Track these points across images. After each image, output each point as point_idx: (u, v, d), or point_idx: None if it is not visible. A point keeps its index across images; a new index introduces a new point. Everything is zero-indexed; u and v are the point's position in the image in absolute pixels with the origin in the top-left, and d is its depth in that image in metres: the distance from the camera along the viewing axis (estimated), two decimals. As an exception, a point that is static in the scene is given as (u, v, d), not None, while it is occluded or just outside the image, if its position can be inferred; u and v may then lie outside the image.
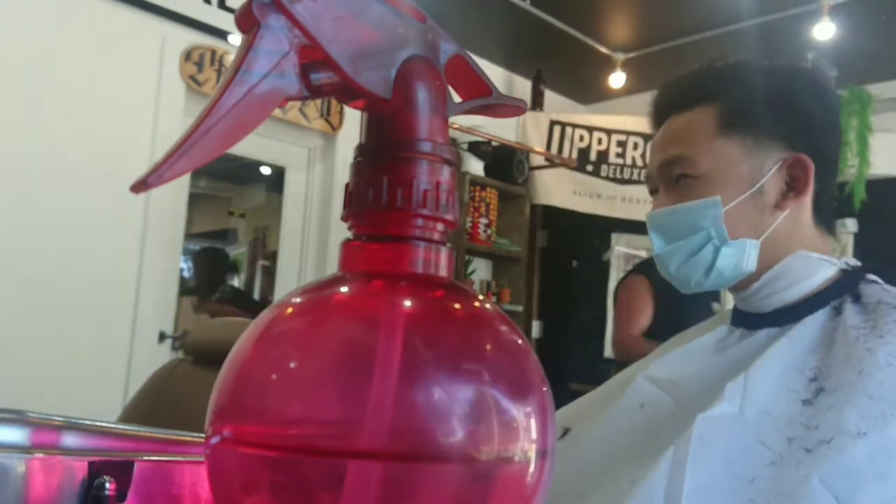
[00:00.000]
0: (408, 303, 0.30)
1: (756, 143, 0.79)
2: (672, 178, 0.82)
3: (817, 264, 0.78)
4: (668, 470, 0.67)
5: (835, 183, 0.84)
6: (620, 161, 4.07)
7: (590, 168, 4.09)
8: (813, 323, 0.75)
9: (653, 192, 0.87)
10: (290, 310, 0.31)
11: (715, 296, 2.79)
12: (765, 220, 0.79)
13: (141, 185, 0.25)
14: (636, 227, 3.96)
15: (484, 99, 0.35)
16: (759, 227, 0.79)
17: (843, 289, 0.77)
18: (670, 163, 0.82)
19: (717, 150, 0.80)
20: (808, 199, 0.80)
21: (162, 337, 2.94)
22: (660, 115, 0.87)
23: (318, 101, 3.27)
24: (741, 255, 0.78)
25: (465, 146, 3.87)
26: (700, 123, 0.81)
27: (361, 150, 0.31)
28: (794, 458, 0.64)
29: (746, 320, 0.82)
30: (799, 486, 0.62)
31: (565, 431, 0.82)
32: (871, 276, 0.79)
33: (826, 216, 0.82)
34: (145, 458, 0.44)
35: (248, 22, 0.27)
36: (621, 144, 4.08)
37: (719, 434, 0.68)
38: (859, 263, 0.80)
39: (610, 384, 0.88)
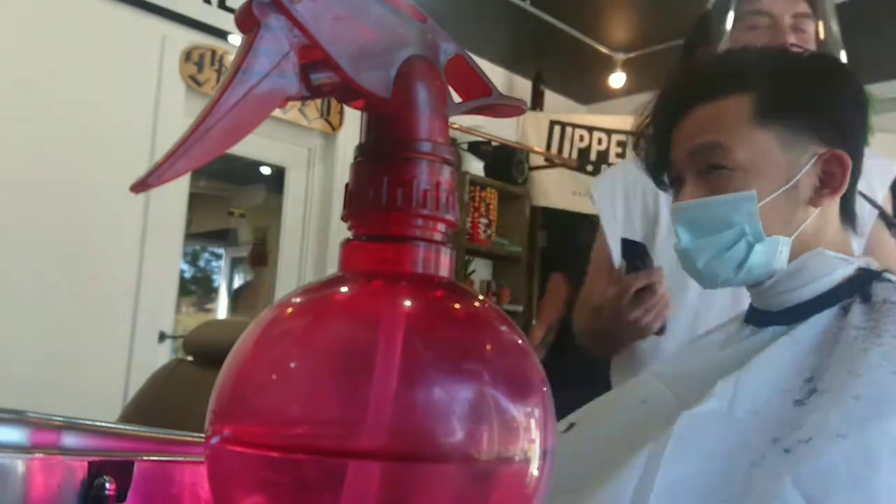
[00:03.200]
0: (408, 303, 0.30)
1: (794, 136, 0.77)
2: (703, 167, 0.78)
3: (834, 263, 0.76)
4: (643, 465, 0.66)
5: (858, 179, 0.81)
6: (620, 161, 4.07)
7: (590, 168, 4.09)
8: (818, 323, 0.73)
9: (659, 182, 0.85)
10: (290, 310, 0.31)
11: None
12: (797, 217, 0.77)
13: (141, 185, 0.26)
14: (636, 228, 3.96)
15: (484, 99, 0.35)
16: (791, 224, 0.77)
17: (854, 288, 0.75)
18: (703, 150, 0.78)
19: (754, 141, 0.76)
20: (839, 196, 0.78)
21: (162, 337, 2.94)
22: (676, 106, 0.83)
23: (318, 101, 3.27)
24: (773, 253, 0.76)
25: (465, 146, 3.87)
26: (736, 112, 0.77)
27: (361, 150, 0.31)
28: (774, 458, 0.63)
29: (757, 317, 0.80)
30: (771, 486, 0.60)
31: (570, 426, 0.81)
32: (888, 276, 0.76)
33: (851, 213, 0.80)
34: (145, 458, 0.44)
35: (248, 22, 0.27)
36: (621, 144, 4.08)
37: (703, 431, 0.67)
38: (874, 263, 0.78)
39: (624, 384, 0.87)
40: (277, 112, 2.76)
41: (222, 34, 3.01)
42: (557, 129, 4.15)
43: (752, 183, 0.76)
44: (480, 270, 4.11)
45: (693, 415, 0.68)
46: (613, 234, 1.23)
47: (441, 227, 0.31)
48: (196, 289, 5.37)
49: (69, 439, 0.46)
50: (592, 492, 0.68)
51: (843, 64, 0.88)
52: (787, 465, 0.61)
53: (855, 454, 0.60)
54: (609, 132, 4.11)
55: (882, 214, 1.09)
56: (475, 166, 3.89)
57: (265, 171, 3.98)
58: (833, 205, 0.78)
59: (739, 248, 0.76)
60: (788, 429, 0.64)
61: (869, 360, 0.65)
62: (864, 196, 0.91)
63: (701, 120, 0.80)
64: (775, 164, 0.76)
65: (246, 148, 3.14)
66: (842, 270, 0.76)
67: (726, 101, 0.78)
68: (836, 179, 0.77)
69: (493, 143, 3.89)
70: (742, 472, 0.63)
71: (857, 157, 0.79)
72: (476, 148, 3.91)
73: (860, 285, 0.75)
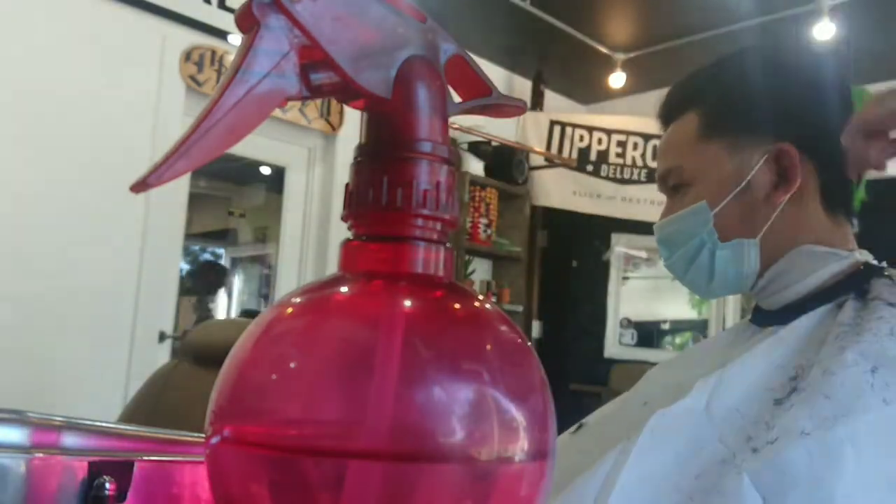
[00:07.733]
0: (408, 303, 0.30)
1: (737, 140, 0.77)
2: (669, 188, 0.82)
3: (825, 258, 0.74)
4: (611, 462, 0.66)
5: (845, 164, 0.77)
6: (620, 161, 4.07)
7: (590, 168, 4.09)
8: (810, 320, 0.71)
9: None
10: (290, 310, 0.31)
11: None
12: (760, 217, 0.76)
13: (141, 185, 0.25)
14: (636, 227, 3.96)
15: (484, 99, 0.35)
16: (754, 225, 0.76)
17: (853, 284, 0.72)
18: (664, 176, 0.83)
19: (701, 153, 0.79)
20: (809, 189, 0.76)
21: (162, 337, 2.94)
22: (663, 125, 0.87)
23: (318, 101, 3.27)
24: (740, 256, 0.76)
25: (465, 146, 3.87)
26: (684, 132, 0.81)
27: (361, 150, 0.31)
28: (743, 456, 0.62)
29: (759, 317, 0.80)
30: (732, 483, 0.60)
31: (580, 426, 0.81)
32: (892, 271, 0.74)
33: (839, 202, 0.78)
34: (145, 458, 0.44)
35: (248, 22, 0.27)
36: (621, 144, 4.08)
37: (675, 428, 0.66)
38: (871, 257, 0.76)
39: (636, 384, 0.87)
40: (277, 112, 2.76)
41: (222, 34, 3.02)
42: (557, 129, 4.15)
43: (703, 193, 0.78)
44: (480, 270, 4.11)
45: (666, 412, 0.67)
46: None
47: (441, 227, 0.31)
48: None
49: (69, 439, 0.46)
50: (561, 489, 0.68)
51: (788, 51, 0.85)
52: (751, 464, 0.60)
53: (818, 453, 0.58)
54: (609, 132, 4.11)
55: None
56: (475, 166, 3.89)
57: (265, 171, 3.98)
58: (806, 197, 0.76)
59: (704, 258, 0.78)
60: (763, 428, 0.63)
61: (844, 359, 0.64)
62: None
63: (662, 144, 0.84)
64: (723, 169, 0.77)
65: (246, 148, 3.15)
66: (834, 265, 0.74)
67: (680, 121, 0.82)
68: (790, 173, 0.76)
69: (493, 143, 3.89)
70: (711, 470, 0.63)
71: (825, 141, 0.75)
72: (476, 148, 3.91)
73: (860, 281, 0.73)
